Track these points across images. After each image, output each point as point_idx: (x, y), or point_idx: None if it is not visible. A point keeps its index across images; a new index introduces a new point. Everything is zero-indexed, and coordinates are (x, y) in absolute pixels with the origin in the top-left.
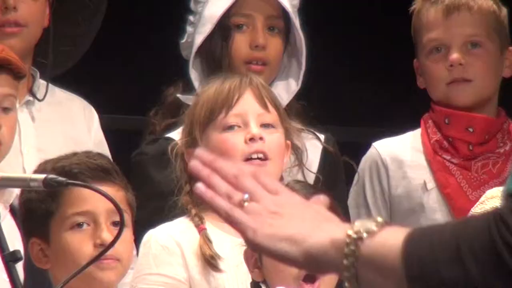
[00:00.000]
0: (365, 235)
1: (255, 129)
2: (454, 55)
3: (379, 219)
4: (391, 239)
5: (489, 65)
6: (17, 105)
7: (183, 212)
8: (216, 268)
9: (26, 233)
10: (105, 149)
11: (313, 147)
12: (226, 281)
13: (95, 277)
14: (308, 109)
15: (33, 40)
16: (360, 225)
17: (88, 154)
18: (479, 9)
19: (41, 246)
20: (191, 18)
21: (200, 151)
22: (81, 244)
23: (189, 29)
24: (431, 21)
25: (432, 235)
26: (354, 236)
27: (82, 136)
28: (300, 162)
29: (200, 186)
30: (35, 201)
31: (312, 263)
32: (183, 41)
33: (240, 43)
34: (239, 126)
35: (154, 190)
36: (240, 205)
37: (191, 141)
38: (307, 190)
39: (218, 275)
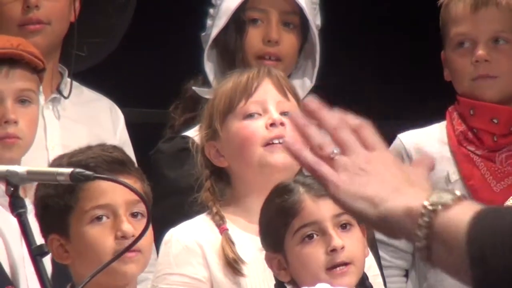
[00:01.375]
0: (440, 207)
1: (275, 115)
2: (480, 52)
3: (457, 192)
4: (462, 215)
5: None
6: (42, 101)
7: (203, 208)
8: (239, 272)
9: (45, 229)
10: (129, 150)
11: None
12: (249, 278)
13: (118, 270)
14: (331, 104)
15: (58, 37)
16: (436, 196)
17: (102, 147)
18: (507, 5)
19: (61, 241)
20: (211, 11)
21: (311, 99)
22: (102, 237)
23: (208, 22)
24: (459, 15)
25: (497, 218)
26: (430, 208)
27: (107, 136)
28: None
29: (287, 140)
30: (52, 196)
31: (386, 227)
32: (204, 34)
33: (254, 37)
34: (259, 114)
35: (170, 188)
36: (329, 158)
37: (212, 133)
38: None
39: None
